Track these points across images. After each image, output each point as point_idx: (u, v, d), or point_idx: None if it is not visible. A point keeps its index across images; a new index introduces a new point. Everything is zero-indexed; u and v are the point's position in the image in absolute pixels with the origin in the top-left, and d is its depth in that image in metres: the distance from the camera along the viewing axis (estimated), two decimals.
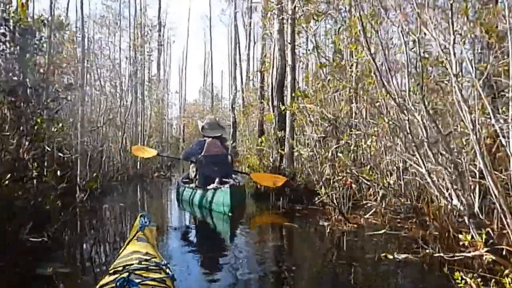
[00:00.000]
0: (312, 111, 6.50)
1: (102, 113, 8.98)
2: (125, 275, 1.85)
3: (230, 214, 5.40)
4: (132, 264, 2.10)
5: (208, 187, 5.93)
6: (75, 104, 7.10)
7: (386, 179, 4.30)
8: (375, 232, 4.14)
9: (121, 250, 2.53)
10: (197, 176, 6.40)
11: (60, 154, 6.44)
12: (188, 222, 5.89)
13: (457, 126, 3.27)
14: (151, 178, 10.99)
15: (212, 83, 33.89)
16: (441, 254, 2.77)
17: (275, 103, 7.11)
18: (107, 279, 1.99)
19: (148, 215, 3.25)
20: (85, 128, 8.44)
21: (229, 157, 6.66)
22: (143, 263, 2.14)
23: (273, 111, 7.13)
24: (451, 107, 3.31)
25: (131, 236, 2.81)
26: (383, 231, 4.10)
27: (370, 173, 4.31)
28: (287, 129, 6.85)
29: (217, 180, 5.99)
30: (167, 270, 2.18)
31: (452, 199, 3.05)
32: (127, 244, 2.58)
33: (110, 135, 9.76)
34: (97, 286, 1.98)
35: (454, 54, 2.78)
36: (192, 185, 6.50)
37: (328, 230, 4.45)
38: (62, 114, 7.99)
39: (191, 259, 3.79)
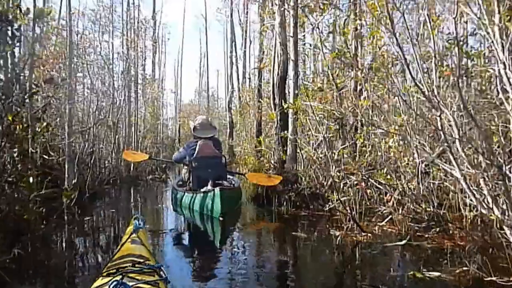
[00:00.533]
0: (317, 109, 6.05)
1: (93, 112, 8.47)
2: (119, 277, 1.86)
3: (220, 218, 5.15)
4: (126, 267, 2.09)
5: (201, 190, 5.70)
6: (62, 102, 6.60)
7: (405, 183, 3.84)
8: (395, 243, 3.69)
9: (115, 252, 2.53)
10: (191, 179, 6.14)
11: (44, 156, 5.96)
12: (182, 227, 5.51)
13: (498, 122, 2.81)
14: (146, 181, 10.50)
15: (208, 83, 33.42)
16: (493, 278, 2.30)
17: (277, 101, 6.64)
18: (100, 281, 1.97)
19: (142, 218, 3.21)
20: (73, 128, 7.97)
21: (223, 158, 6.42)
22: (136, 265, 2.13)
23: (275, 110, 6.66)
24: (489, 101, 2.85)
25: (125, 238, 2.76)
26: (404, 242, 3.64)
27: (388, 176, 3.85)
28: (290, 128, 6.39)
29: (210, 182, 5.73)
30: (161, 273, 2.15)
31: (491, 208, 2.60)
32: (121, 246, 2.54)
33: (102, 136, 9.26)
34: None
35: (501, 36, 2.33)
36: (186, 188, 6.26)
37: (340, 241, 3.98)
38: (48, 113, 7.56)
39: (185, 262, 3.69)
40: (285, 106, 6.10)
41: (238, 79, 21.84)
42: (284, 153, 6.51)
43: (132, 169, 10.24)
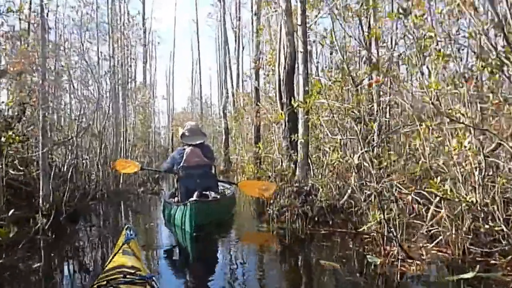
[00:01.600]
0: (333, 108, 5.20)
1: (75, 120, 7.55)
2: None
3: (194, 234, 4.69)
4: (117, 278, 2.05)
5: (182, 203, 5.25)
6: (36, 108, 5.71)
7: (465, 195, 2.97)
8: (458, 276, 2.81)
9: (106, 263, 2.46)
10: (179, 190, 5.70)
11: (11, 171, 5.06)
12: (173, 243, 4.92)
13: None
14: (137, 194, 9.53)
15: (200, 90, 32.55)
16: None
17: (284, 99, 5.77)
18: None
19: (134, 228, 3.19)
20: (52, 138, 7.04)
21: (213, 167, 6.01)
22: (128, 276, 2.09)
23: (282, 110, 5.80)
24: None
25: (116, 249, 2.71)
26: (471, 274, 2.77)
27: (444, 186, 2.98)
28: (300, 130, 5.53)
29: (196, 193, 5.31)
30: (153, 283, 2.15)
31: None
32: (112, 257, 2.51)
33: (87, 146, 8.33)
34: None
35: None
36: (175, 200, 5.77)
37: (381, 271, 3.10)
38: (25, 122, 6.66)
39: (176, 276, 3.55)
40: (294, 105, 5.23)
41: (232, 84, 21.09)
42: (291, 160, 5.66)
43: (121, 181, 9.29)
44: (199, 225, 4.71)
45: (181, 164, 5.62)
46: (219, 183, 6.11)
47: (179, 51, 50.06)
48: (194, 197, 5.18)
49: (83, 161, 8.10)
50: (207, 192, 5.49)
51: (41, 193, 5.54)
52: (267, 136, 14.20)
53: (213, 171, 5.93)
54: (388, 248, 3.41)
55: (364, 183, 4.87)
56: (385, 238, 3.49)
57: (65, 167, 6.80)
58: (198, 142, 5.86)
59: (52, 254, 4.24)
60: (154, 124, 17.04)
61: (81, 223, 5.91)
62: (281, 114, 5.24)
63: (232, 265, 3.72)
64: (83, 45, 7.97)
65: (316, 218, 4.82)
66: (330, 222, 4.75)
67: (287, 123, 5.73)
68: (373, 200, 3.65)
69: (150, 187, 10.60)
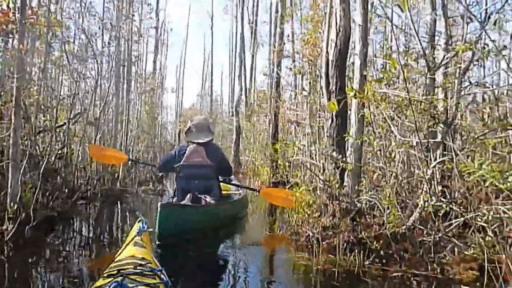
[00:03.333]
0: (402, 101, 3.84)
1: (67, 99, 6.26)
2: (119, 279, 1.86)
3: (158, 242, 3.97)
4: (127, 268, 2.07)
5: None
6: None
7: None
8: None
9: (117, 254, 2.47)
10: (177, 190, 5.31)
11: None
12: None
13: None
14: (136, 193, 8.21)
15: (211, 86, 31.34)
16: None
17: (333, 87, 4.42)
18: (101, 282, 1.97)
19: (146, 221, 3.17)
20: (35, 121, 5.76)
21: (214, 169, 5.24)
22: (138, 267, 2.11)
23: (328, 100, 4.44)
24: None
25: (128, 241, 2.71)
26: None
27: None
28: (353, 128, 4.18)
29: (188, 196, 4.83)
30: (162, 276, 2.10)
31: None
32: (124, 248, 2.52)
33: (80, 134, 7.03)
34: None
35: None
36: (172, 200, 5.27)
37: None
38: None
39: (186, 272, 3.33)
40: (351, 94, 3.87)
41: (245, 80, 19.83)
42: (337, 166, 4.30)
43: (120, 178, 7.97)
44: (165, 234, 4.01)
45: (181, 162, 5.14)
46: (233, 188, 5.62)
47: (190, 46, 48.77)
48: (186, 200, 4.77)
49: (72, 152, 6.79)
50: (202, 196, 4.90)
51: (9, 190, 4.24)
52: (285, 136, 12.89)
53: (214, 173, 5.26)
54: None
55: (443, 205, 3.54)
56: None
57: (46, 158, 5.49)
58: (202, 141, 5.30)
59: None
60: (161, 117, 15.70)
61: (57, 233, 4.57)
62: (332, 103, 3.86)
63: None
64: (83, 14, 6.63)
65: (379, 250, 3.46)
66: (397, 257, 3.39)
67: (334, 119, 4.37)
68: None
69: (152, 186, 9.29)
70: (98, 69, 6.72)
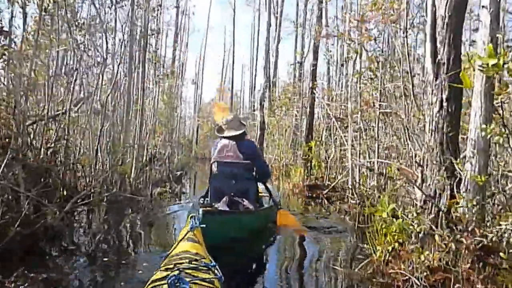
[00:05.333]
0: None
1: (66, 81, 4.95)
2: (176, 273, 1.89)
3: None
4: (183, 263, 2.11)
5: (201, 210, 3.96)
6: None
7: None
8: None
9: (171, 249, 2.55)
10: (209, 190, 4.76)
11: None
12: None
13: None
14: (150, 196, 6.88)
15: (232, 79, 30.00)
16: None
17: (442, 56, 2.95)
18: (159, 275, 2.00)
19: (198, 217, 3.27)
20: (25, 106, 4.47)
21: (251, 168, 4.67)
22: (193, 262, 2.15)
23: (435, 73, 2.98)
24: None
25: (181, 236, 2.75)
26: None
27: None
28: (476, 117, 2.72)
29: (224, 199, 4.38)
30: (216, 271, 2.12)
31: None
32: (178, 243, 2.59)
33: (83, 125, 5.72)
34: (149, 281, 1.99)
35: None
36: (204, 201, 4.81)
37: None
38: None
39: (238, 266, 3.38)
40: (478, 63, 2.40)
41: (269, 73, 18.50)
42: (446, 175, 2.86)
43: (131, 178, 6.63)
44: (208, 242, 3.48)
45: (213, 159, 4.73)
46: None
47: (210, 42, 47.33)
48: (221, 203, 4.34)
49: (74, 146, 5.48)
50: (240, 199, 4.45)
51: None
52: (319, 133, 11.39)
53: (251, 172, 4.68)
54: None
55: None
56: None
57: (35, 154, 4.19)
58: (234, 134, 4.74)
59: None
60: (180, 110, 14.37)
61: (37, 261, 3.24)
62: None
63: None
64: None
65: None
66: None
67: (445, 104, 2.91)
68: None
69: (170, 187, 7.96)
70: (105, 41, 5.37)
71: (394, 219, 3.05)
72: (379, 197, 4.99)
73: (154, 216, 5.64)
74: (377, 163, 5.51)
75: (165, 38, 12.30)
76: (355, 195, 5.72)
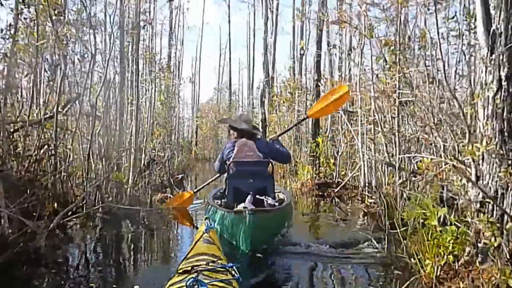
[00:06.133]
0: None
1: (49, 81, 4.39)
2: (194, 275, 1.89)
3: (248, 252, 3.53)
4: (200, 265, 2.12)
5: (235, 209, 4.00)
6: None
7: None
8: None
9: (188, 251, 2.52)
10: (227, 190, 4.57)
11: None
12: None
13: None
14: (149, 205, 6.32)
15: (230, 77, 29.40)
16: None
17: (499, 24, 2.41)
18: (176, 278, 2.02)
19: (213, 218, 3.53)
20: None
21: (267, 164, 4.62)
22: (210, 264, 2.15)
23: (490, 55, 2.43)
24: None
25: (197, 238, 2.77)
26: None
27: None
28: None
29: (248, 198, 4.15)
30: (233, 272, 2.12)
31: None
32: (194, 245, 2.58)
33: (73, 129, 5.16)
34: (167, 284, 2.00)
35: None
36: (221, 202, 4.68)
37: None
38: None
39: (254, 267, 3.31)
40: None
41: (268, 68, 17.93)
42: (510, 168, 2.33)
43: (129, 186, 6.07)
44: (256, 243, 3.63)
45: (231, 159, 4.57)
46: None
47: (206, 39, 46.52)
48: (246, 203, 4.16)
49: (64, 153, 4.93)
50: (262, 197, 4.35)
51: None
52: (325, 129, 10.82)
53: (269, 170, 4.66)
54: None
55: None
56: None
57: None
58: (248, 128, 4.75)
59: None
60: (178, 110, 13.79)
61: None
62: None
63: None
64: None
65: None
66: None
67: (503, 80, 2.37)
68: None
69: (171, 193, 7.40)
70: (93, 36, 4.81)
71: (446, 227, 2.51)
72: (403, 196, 4.46)
73: (156, 227, 5.09)
74: (401, 158, 4.95)
75: (159, 39, 11.77)
76: (377, 194, 5.18)
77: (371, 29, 5.31)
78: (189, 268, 2.06)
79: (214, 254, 2.41)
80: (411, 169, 5.09)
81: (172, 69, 11.82)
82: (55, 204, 4.65)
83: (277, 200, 4.71)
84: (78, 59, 5.19)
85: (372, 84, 6.14)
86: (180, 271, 2.10)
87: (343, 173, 8.94)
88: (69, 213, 4.48)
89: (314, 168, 9.27)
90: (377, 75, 6.03)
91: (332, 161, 9.29)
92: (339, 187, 7.98)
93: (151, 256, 3.97)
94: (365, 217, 5.40)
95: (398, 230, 3.54)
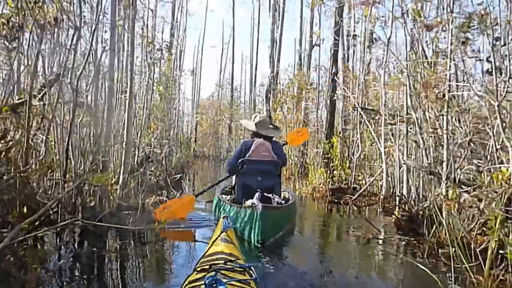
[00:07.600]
0: None
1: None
2: (213, 273, 1.88)
3: (260, 244, 3.78)
4: (218, 264, 2.11)
5: (245, 204, 4.21)
6: None
7: None
8: None
9: (206, 249, 2.53)
10: (236, 187, 4.80)
11: None
12: None
13: None
14: (142, 209, 5.36)
15: (232, 73, 28.42)
16: None
17: None
18: (195, 276, 2.01)
19: (231, 217, 3.45)
20: None
21: (279, 166, 4.84)
22: (228, 263, 2.13)
23: None
24: None
25: (215, 237, 2.81)
26: None
27: None
28: None
29: (257, 195, 4.18)
30: (251, 272, 2.10)
31: None
32: (212, 244, 2.59)
33: (50, 116, 4.21)
34: (185, 282, 1.99)
35: None
36: (230, 198, 4.93)
37: None
38: None
39: (272, 268, 3.14)
40: None
41: (273, 63, 17.01)
42: None
43: (118, 186, 5.12)
44: (267, 236, 3.85)
45: (246, 157, 4.70)
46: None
47: (207, 33, 45.26)
48: (254, 199, 4.12)
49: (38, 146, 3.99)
50: (270, 195, 4.45)
51: None
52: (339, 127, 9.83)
53: (279, 171, 4.87)
54: None
55: None
56: None
57: None
58: (270, 135, 5.04)
59: None
60: (178, 103, 12.83)
61: None
62: None
63: None
64: None
65: None
66: None
67: None
68: None
69: (167, 196, 6.46)
70: (79, 5, 3.87)
71: None
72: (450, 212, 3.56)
73: (149, 239, 4.16)
74: (450, 165, 4.02)
75: (161, 33, 10.84)
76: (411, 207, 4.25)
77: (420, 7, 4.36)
78: (207, 267, 2.05)
79: (232, 254, 2.40)
80: (458, 179, 4.19)
81: (174, 57, 10.85)
82: (24, 208, 3.76)
83: (283, 198, 4.89)
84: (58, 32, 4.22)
85: (407, 76, 5.22)
86: (199, 269, 2.09)
87: (359, 178, 8.04)
88: (40, 221, 3.56)
89: (328, 172, 8.33)
90: (414, 66, 5.09)
91: (347, 164, 8.38)
92: (357, 195, 7.06)
93: (143, 278, 3.02)
94: (401, 235, 4.48)
95: (467, 264, 2.62)
